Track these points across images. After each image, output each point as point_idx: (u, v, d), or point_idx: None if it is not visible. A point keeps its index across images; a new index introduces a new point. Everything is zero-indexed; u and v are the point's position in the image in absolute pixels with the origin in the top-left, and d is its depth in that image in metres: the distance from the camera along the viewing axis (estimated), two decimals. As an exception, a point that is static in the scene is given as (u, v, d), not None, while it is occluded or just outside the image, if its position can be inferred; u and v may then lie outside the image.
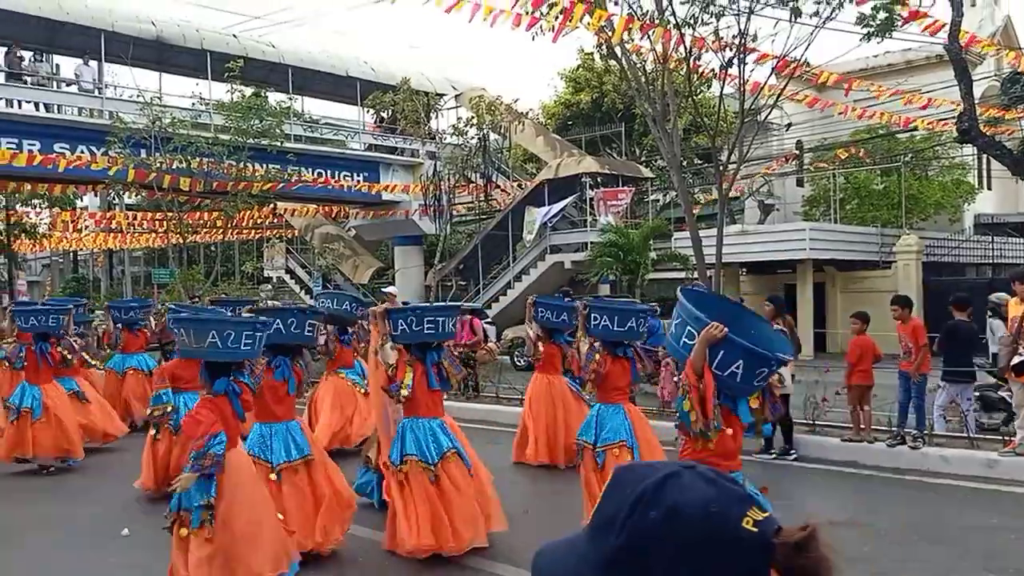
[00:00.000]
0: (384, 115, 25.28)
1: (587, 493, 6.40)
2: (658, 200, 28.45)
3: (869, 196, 24.37)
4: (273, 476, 5.77)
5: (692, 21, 9.99)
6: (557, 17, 9.76)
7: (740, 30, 9.94)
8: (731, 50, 10.19)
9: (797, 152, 24.88)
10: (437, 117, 23.89)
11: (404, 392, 5.98)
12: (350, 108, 26.51)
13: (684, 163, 14.84)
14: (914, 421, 8.78)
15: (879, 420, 9.53)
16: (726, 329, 4.02)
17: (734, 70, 10.49)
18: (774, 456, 9.27)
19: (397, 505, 5.94)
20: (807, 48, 10.58)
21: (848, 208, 24.39)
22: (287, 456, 5.86)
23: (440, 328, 6.14)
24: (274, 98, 21.70)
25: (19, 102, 19.42)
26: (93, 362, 11.02)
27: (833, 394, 9.58)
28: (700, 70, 11.06)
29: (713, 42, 10.11)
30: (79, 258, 43.05)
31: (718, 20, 9.95)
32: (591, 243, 22.74)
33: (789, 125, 23.52)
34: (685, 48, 9.96)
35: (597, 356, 6.47)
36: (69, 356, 9.63)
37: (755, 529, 1.03)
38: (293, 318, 6.33)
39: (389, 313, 6.26)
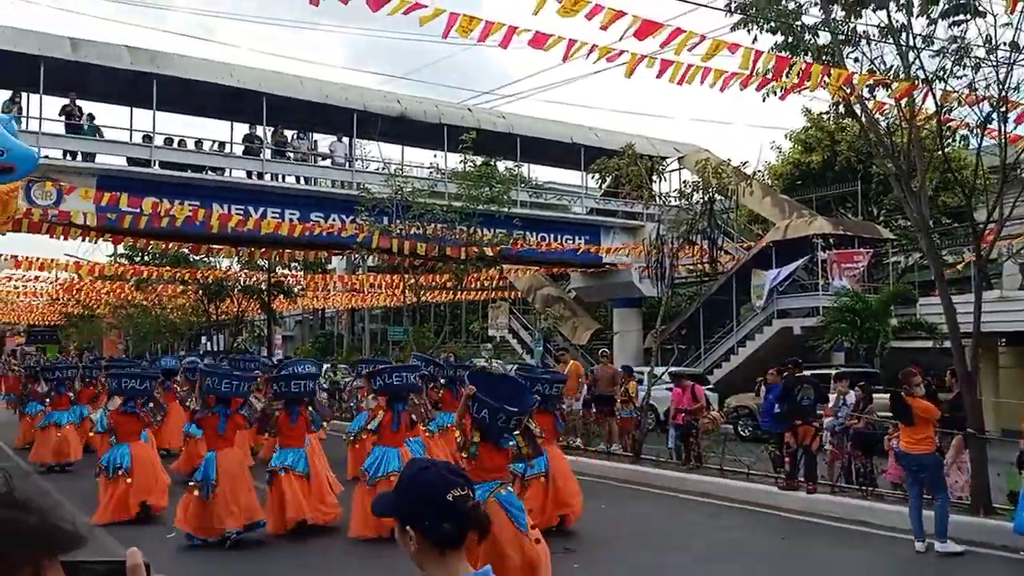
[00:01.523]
0: (606, 179, 25.68)
1: None
2: (899, 262, 26.41)
3: None
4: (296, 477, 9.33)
5: (943, 74, 9.26)
6: (796, 78, 9.42)
7: (1000, 80, 9.08)
8: (990, 104, 9.31)
9: (1068, 209, 22.12)
10: (660, 181, 23.89)
11: (371, 427, 9.51)
12: (574, 173, 27.24)
13: (932, 223, 13.69)
14: None
15: None
16: (474, 389, 6.72)
17: (993, 124, 9.56)
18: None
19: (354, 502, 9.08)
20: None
21: None
22: (302, 467, 9.37)
23: (404, 380, 9.55)
24: (503, 166, 22.78)
25: (282, 176, 21.84)
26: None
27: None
28: (951, 125, 10.18)
29: (967, 96, 9.30)
30: (326, 316, 47.10)
31: (975, 72, 9.13)
32: (823, 308, 21.48)
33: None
34: (935, 102, 9.23)
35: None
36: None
37: (451, 499, 1.92)
38: (288, 378, 10.08)
39: (370, 375, 9.94)
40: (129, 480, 9.86)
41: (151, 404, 10.76)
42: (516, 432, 6.87)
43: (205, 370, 10.02)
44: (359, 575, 8.40)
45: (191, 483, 8.96)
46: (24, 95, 18.73)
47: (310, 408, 9.78)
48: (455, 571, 1.90)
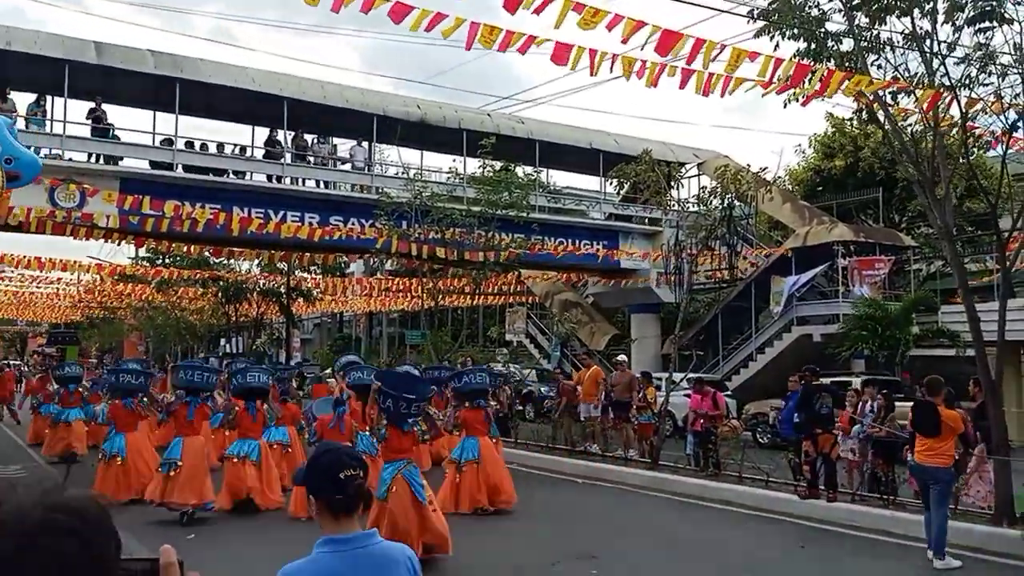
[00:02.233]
0: (625, 185, 25.64)
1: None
2: (921, 270, 26.17)
3: None
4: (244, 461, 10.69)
5: (968, 82, 9.18)
6: (817, 85, 9.39)
7: (1026, 88, 8.99)
8: (1015, 112, 9.22)
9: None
10: (678, 187, 23.83)
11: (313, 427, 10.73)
12: (593, 178, 27.23)
13: (956, 231, 13.56)
14: None
15: None
16: (379, 384, 8.48)
17: (1019, 132, 9.47)
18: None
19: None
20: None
21: None
22: (255, 456, 10.79)
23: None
24: (521, 171, 22.79)
25: (303, 180, 21.95)
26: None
27: None
28: (977, 132, 10.09)
29: (993, 103, 9.21)
30: (344, 319, 47.29)
31: (1001, 80, 9.05)
32: (843, 315, 21.33)
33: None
34: (960, 110, 9.16)
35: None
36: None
37: (343, 477, 2.45)
38: (252, 373, 11.64)
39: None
40: (120, 462, 11.34)
41: (146, 399, 11.87)
42: (419, 417, 8.53)
43: (178, 364, 12.33)
44: (297, 541, 9.19)
45: (162, 463, 10.48)
46: (49, 98, 18.95)
47: (266, 405, 11.25)
48: (347, 531, 2.47)
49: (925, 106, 8.69)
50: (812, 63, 9.73)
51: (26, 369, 35.43)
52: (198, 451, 10.39)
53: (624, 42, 8.74)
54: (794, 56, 9.90)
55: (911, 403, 9.99)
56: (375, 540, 2.49)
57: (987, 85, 9.25)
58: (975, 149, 11.22)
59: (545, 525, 10.31)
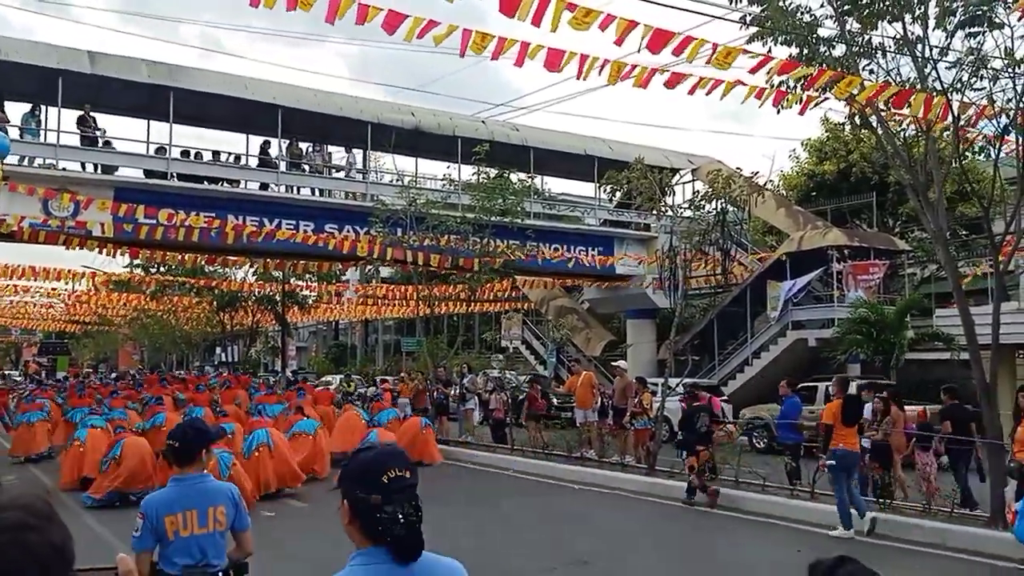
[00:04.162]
0: (618, 191, 25.69)
1: None
2: (915, 274, 26.25)
3: None
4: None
5: (960, 86, 9.23)
6: (803, 87, 9.43)
7: (1017, 92, 9.03)
8: (1007, 116, 9.26)
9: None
10: (672, 193, 23.90)
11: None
12: (587, 185, 27.29)
13: (949, 234, 13.62)
14: None
15: None
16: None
17: (1011, 136, 9.51)
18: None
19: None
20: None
21: None
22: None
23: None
24: (516, 178, 22.80)
25: (297, 188, 21.93)
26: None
27: None
28: (969, 136, 10.14)
29: (984, 107, 9.26)
30: (340, 327, 47.23)
31: (993, 84, 9.10)
32: (838, 319, 21.36)
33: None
34: (952, 114, 9.20)
35: None
36: None
37: (175, 444, 3.96)
38: None
39: None
40: (82, 449, 13.21)
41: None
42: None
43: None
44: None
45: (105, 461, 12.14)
46: (43, 108, 18.92)
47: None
48: (186, 473, 3.82)
49: (921, 112, 8.69)
50: (800, 63, 9.77)
51: (21, 380, 35.29)
52: (141, 448, 12.13)
53: (619, 43, 8.69)
54: (788, 59, 9.93)
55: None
56: (209, 479, 3.90)
57: (979, 90, 9.31)
58: (967, 153, 11.26)
59: (541, 530, 10.30)
